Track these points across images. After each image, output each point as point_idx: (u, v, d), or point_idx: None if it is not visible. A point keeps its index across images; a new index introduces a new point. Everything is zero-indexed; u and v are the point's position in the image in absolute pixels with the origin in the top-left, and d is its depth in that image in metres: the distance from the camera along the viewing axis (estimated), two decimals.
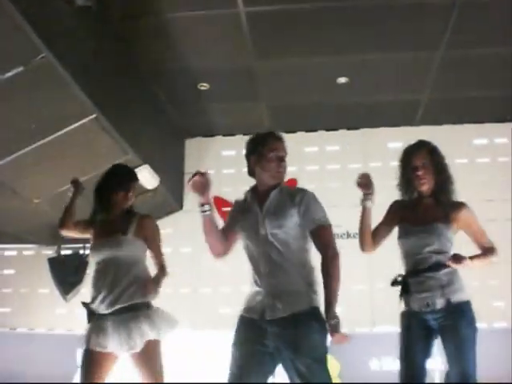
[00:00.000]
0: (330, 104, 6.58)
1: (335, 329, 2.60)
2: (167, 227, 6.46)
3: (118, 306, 3.20)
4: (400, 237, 3.27)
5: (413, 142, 3.36)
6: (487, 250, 3.20)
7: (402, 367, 3.10)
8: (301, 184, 6.65)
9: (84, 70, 4.14)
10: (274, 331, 2.66)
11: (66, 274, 5.87)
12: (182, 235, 6.68)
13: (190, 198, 2.72)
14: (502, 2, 4.69)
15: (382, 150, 6.80)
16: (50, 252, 6.40)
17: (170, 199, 6.71)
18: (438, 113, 6.74)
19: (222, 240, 2.88)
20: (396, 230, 3.33)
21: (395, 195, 3.38)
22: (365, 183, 3.15)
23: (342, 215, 6.62)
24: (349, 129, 7.19)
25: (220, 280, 6.47)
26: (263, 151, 2.87)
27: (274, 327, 2.66)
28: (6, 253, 7.25)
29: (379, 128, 7.06)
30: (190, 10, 4.82)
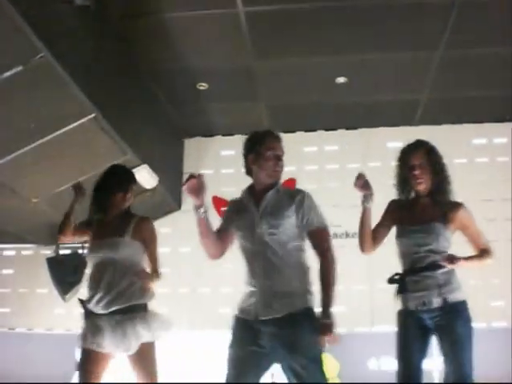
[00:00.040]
0: (329, 104, 6.58)
1: (328, 328, 2.62)
2: (166, 227, 6.47)
3: (114, 308, 3.21)
4: (398, 236, 3.27)
5: (412, 141, 3.37)
6: (483, 252, 3.21)
7: (399, 367, 3.12)
8: (300, 184, 6.68)
9: (83, 69, 4.14)
10: (269, 331, 2.66)
11: (65, 273, 5.84)
12: (180, 235, 6.67)
13: (189, 198, 2.72)
14: (501, 1, 4.69)
15: (381, 149, 6.80)
16: (48, 252, 6.37)
17: (169, 199, 6.71)
18: (437, 113, 6.74)
19: (217, 242, 2.87)
20: (394, 229, 3.34)
21: (394, 195, 3.38)
22: (362, 184, 3.14)
23: (341, 215, 6.63)
24: (348, 129, 7.19)
25: (219, 280, 6.47)
26: (261, 150, 2.87)
27: (269, 327, 2.67)
28: (5, 252, 7.25)
29: (378, 128, 7.06)
30: (189, 9, 4.81)
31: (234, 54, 5.52)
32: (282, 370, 2.70)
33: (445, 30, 5.06)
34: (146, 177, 5.62)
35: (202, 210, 2.74)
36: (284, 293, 2.71)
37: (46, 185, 5.15)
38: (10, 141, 4.36)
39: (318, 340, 2.63)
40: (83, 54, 4.22)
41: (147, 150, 5.70)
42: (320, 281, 2.73)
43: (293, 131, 6.96)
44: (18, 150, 4.45)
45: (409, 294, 3.14)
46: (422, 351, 3.13)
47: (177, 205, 6.94)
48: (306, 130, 7.23)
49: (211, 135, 7.39)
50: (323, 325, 2.64)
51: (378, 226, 3.32)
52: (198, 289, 6.77)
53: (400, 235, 3.25)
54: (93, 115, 4.43)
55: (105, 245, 3.34)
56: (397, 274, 3.24)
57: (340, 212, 6.64)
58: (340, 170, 7.08)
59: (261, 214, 2.81)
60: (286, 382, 2.69)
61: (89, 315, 3.27)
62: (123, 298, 3.23)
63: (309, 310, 2.73)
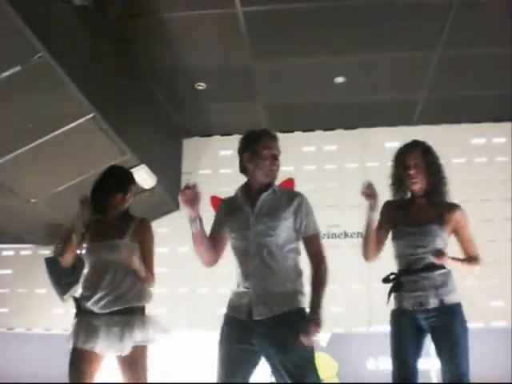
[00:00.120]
0: (328, 104, 6.57)
1: (317, 324, 2.62)
2: (164, 227, 6.47)
3: (114, 308, 3.21)
4: (394, 238, 3.27)
5: (408, 141, 3.37)
6: (472, 259, 3.19)
7: (394, 367, 3.12)
8: (298, 184, 6.68)
9: (81, 69, 4.14)
10: (262, 331, 2.67)
11: (63, 273, 5.85)
12: (179, 235, 6.65)
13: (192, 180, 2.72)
14: (500, 2, 4.69)
15: (379, 149, 6.79)
16: (47, 252, 6.38)
17: (167, 199, 6.71)
18: (436, 112, 6.74)
19: (212, 250, 2.89)
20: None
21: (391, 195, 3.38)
22: (370, 193, 3.10)
23: (340, 215, 6.65)
24: (346, 128, 7.18)
25: (218, 280, 6.46)
26: (257, 149, 2.86)
27: (262, 327, 2.68)
28: (4, 253, 7.24)
29: (377, 128, 7.05)
30: (187, 9, 4.81)
31: (232, 53, 5.52)
32: (272, 369, 2.70)
33: (443, 30, 5.06)
34: (144, 177, 5.62)
35: (197, 222, 2.74)
36: (278, 293, 2.73)
37: (45, 185, 5.15)
38: (9, 141, 4.36)
39: (305, 336, 2.63)
40: (82, 53, 4.22)
41: (146, 149, 5.70)
42: (312, 282, 2.76)
43: (291, 131, 6.96)
44: (16, 150, 4.44)
45: (404, 294, 3.14)
46: (417, 351, 3.13)
47: (175, 205, 6.92)
48: (305, 130, 7.22)
49: (209, 135, 7.38)
50: (312, 320, 2.64)
51: (377, 231, 3.27)
52: (197, 289, 6.76)
53: (396, 237, 3.25)
54: (91, 115, 4.43)
55: (105, 246, 3.33)
56: (392, 274, 3.24)
57: (338, 212, 6.66)
58: (338, 169, 7.08)
59: (256, 215, 2.81)
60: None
61: (83, 314, 3.26)
62: (124, 300, 3.24)
63: (301, 310, 2.75)
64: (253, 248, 2.78)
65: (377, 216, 3.17)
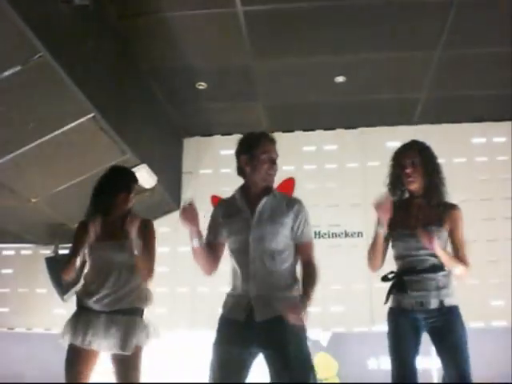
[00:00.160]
0: (328, 103, 6.57)
1: (297, 307, 2.60)
2: (165, 226, 6.46)
3: (118, 307, 3.21)
4: (394, 239, 3.25)
5: (407, 141, 3.38)
6: (460, 259, 3.14)
7: (393, 367, 3.12)
8: (299, 183, 6.68)
9: (81, 69, 4.14)
10: (261, 332, 2.68)
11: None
12: (179, 234, 6.66)
13: (188, 198, 2.70)
14: (500, 1, 4.70)
15: (380, 149, 6.78)
16: (47, 251, 6.39)
17: (168, 198, 6.71)
18: (436, 112, 6.74)
19: (212, 259, 2.91)
20: None
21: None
22: (386, 209, 3.09)
23: (340, 214, 6.65)
24: (347, 128, 7.17)
25: (218, 279, 6.47)
26: (255, 152, 2.86)
27: (261, 328, 2.68)
28: (4, 252, 7.24)
29: (377, 127, 7.05)
30: (188, 9, 4.81)
31: (232, 53, 5.52)
32: (271, 369, 2.69)
33: (443, 29, 5.06)
34: (145, 176, 5.62)
35: (198, 238, 2.77)
36: (276, 297, 2.74)
37: (45, 184, 5.15)
38: (9, 141, 4.36)
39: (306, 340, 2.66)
40: (82, 53, 4.22)
41: (146, 149, 5.70)
42: (303, 284, 2.78)
43: (291, 131, 6.96)
44: (16, 150, 4.45)
45: (405, 293, 3.14)
46: (416, 350, 3.13)
47: (176, 204, 6.93)
48: (305, 130, 7.21)
49: (210, 135, 7.38)
50: (295, 304, 2.64)
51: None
52: (197, 288, 6.76)
53: (397, 239, 3.23)
54: (92, 115, 4.43)
55: (110, 246, 3.34)
56: (392, 273, 3.24)
57: (339, 211, 6.65)
58: (339, 169, 7.07)
59: (256, 220, 2.81)
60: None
61: (83, 311, 3.26)
62: (127, 300, 3.25)
63: None
64: (253, 252, 2.78)
65: (385, 231, 3.16)
